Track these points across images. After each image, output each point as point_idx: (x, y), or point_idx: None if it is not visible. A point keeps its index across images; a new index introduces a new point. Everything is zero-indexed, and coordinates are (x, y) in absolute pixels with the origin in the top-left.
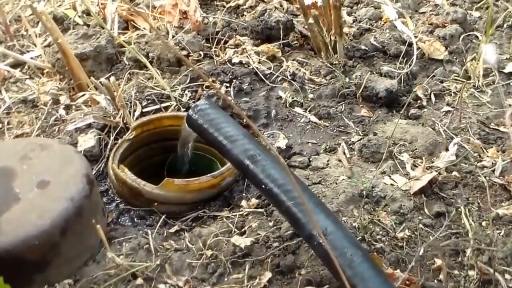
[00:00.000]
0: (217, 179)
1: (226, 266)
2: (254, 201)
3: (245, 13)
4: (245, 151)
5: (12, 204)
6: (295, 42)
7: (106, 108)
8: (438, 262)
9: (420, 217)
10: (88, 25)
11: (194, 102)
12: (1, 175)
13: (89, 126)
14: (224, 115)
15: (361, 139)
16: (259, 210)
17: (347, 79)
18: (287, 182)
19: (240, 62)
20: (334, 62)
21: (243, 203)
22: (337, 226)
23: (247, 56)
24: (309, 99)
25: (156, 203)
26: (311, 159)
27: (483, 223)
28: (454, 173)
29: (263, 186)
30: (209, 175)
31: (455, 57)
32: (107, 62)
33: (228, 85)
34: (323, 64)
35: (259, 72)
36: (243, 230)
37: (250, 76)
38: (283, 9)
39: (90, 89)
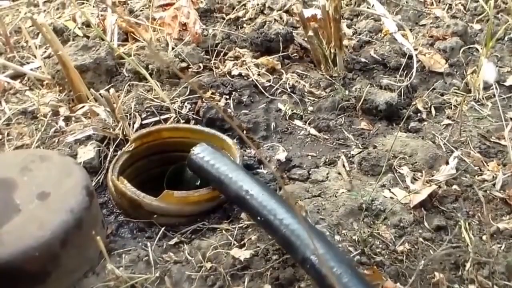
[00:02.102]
0: (217, 192)
1: (225, 279)
2: None
3: (244, 25)
4: (240, 187)
5: (12, 216)
6: (295, 54)
7: (106, 120)
8: (438, 276)
9: (420, 231)
10: (88, 37)
11: (193, 114)
12: (1, 186)
13: (88, 137)
14: (219, 156)
15: (360, 152)
16: None
17: (347, 92)
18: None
19: (240, 74)
20: (334, 75)
21: (243, 215)
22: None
23: (246, 68)
24: (308, 112)
25: (155, 215)
26: (310, 172)
27: (484, 237)
28: (454, 186)
29: (258, 217)
30: (208, 187)
31: (455, 70)
32: (107, 74)
33: (227, 97)
34: (322, 77)
35: (258, 85)
36: (242, 242)
37: (250, 88)
38: (283, 21)
39: (89, 100)
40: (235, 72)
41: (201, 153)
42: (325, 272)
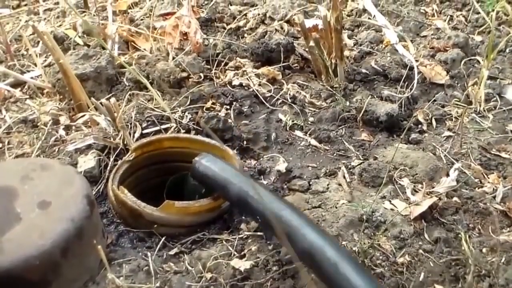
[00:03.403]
0: (217, 203)
1: None
2: (253, 224)
3: (245, 35)
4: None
5: (13, 224)
6: (296, 64)
7: (106, 129)
8: None
9: (420, 243)
10: (88, 45)
11: (194, 124)
12: (3, 194)
13: (89, 147)
14: (223, 163)
15: (361, 163)
16: (259, 233)
17: (348, 103)
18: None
19: (241, 85)
20: (335, 86)
21: (243, 226)
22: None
23: (247, 79)
24: (309, 123)
25: (155, 225)
26: (311, 183)
27: (484, 250)
28: (455, 198)
29: (258, 217)
30: (209, 198)
31: (456, 82)
32: (107, 83)
33: (228, 107)
34: (323, 87)
35: (259, 95)
36: (242, 253)
37: (250, 98)
38: (284, 31)
39: (90, 109)
40: (235, 82)
41: (205, 161)
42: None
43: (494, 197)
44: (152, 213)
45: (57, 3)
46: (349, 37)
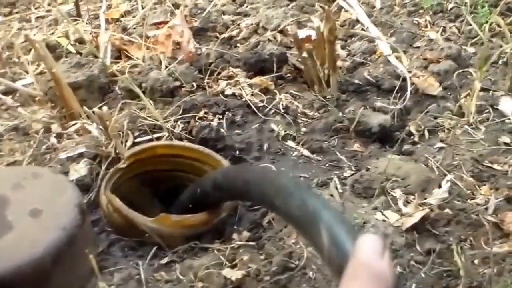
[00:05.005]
0: (212, 216)
1: None
2: (245, 234)
3: (238, 44)
4: None
5: (4, 232)
6: (288, 75)
7: (98, 137)
8: None
9: (412, 254)
10: (81, 54)
11: (186, 133)
12: None
13: (80, 155)
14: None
15: (353, 174)
16: (251, 243)
17: (340, 114)
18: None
19: (233, 94)
20: (327, 96)
21: (235, 236)
22: None
23: (240, 88)
24: (301, 133)
25: (147, 234)
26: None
27: (476, 261)
28: (447, 210)
29: None
30: (204, 212)
31: (449, 93)
32: (100, 92)
33: (220, 116)
34: (316, 98)
35: (252, 105)
36: (234, 263)
37: (243, 108)
38: (277, 41)
39: (82, 118)
40: (228, 91)
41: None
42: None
43: (486, 208)
44: (145, 224)
45: (49, 10)
46: (342, 47)
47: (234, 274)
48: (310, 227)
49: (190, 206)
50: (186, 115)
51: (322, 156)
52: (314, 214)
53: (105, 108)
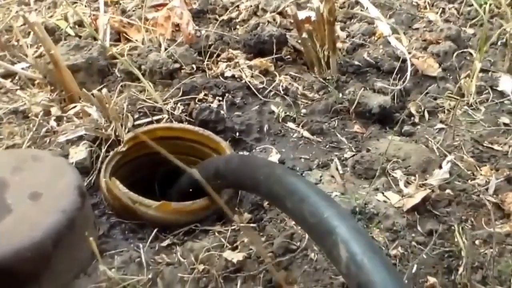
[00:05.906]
0: (213, 202)
1: (218, 281)
2: (246, 216)
3: (237, 26)
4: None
5: (4, 216)
6: (288, 56)
7: (98, 120)
8: (431, 280)
9: (413, 235)
10: (80, 36)
11: (186, 115)
12: None
13: (80, 138)
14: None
15: (354, 155)
16: (252, 225)
17: (340, 95)
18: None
19: (233, 76)
20: (327, 77)
21: (235, 217)
22: None
23: (239, 70)
24: (301, 114)
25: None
26: (303, 175)
27: (477, 242)
28: (448, 191)
29: None
30: (205, 198)
31: (448, 74)
32: (99, 74)
33: (220, 98)
34: (316, 79)
35: (251, 86)
36: (235, 245)
37: (243, 90)
38: (276, 23)
39: (81, 101)
40: (228, 73)
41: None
42: None
43: (487, 189)
44: (147, 212)
45: None
46: (342, 29)
47: (235, 256)
48: (324, 237)
49: (190, 190)
50: (186, 97)
51: (322, 138)
52: (330, 225)
53: (104, 91)
